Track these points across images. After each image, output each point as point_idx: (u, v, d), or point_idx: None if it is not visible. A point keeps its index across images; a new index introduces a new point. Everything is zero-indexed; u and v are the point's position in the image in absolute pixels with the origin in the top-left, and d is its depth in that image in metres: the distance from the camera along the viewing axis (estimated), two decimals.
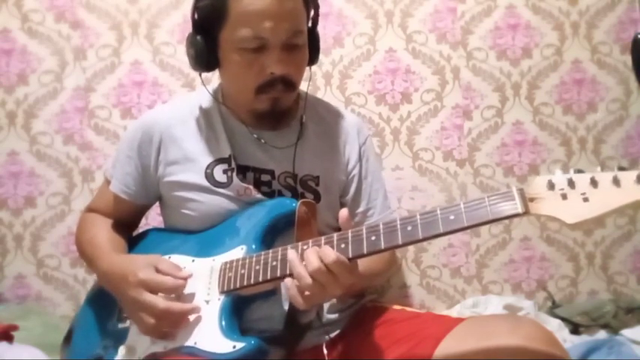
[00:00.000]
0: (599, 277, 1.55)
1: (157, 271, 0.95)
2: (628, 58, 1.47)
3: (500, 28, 1.54)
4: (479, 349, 0.88)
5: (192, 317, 0.94)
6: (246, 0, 0.95)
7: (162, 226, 1.19)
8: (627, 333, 1.35)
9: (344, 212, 0.87)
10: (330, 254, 0.81)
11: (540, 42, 1.54)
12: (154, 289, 0.93)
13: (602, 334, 1.39)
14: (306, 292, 0.83)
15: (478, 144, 1.53)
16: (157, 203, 1.18)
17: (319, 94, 1.47)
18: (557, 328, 1.36)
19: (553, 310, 1.47)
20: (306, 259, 0.83)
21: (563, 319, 1.42)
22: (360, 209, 1.15)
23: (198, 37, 1.00)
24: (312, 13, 1.05)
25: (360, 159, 1.15)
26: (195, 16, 1.01)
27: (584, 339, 1.35)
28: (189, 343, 0.92)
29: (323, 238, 0.87)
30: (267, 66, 0.97)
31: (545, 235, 1.54)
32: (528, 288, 1.53)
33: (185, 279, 0.95)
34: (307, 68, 1.08)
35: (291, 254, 0.86)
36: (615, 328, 1.40)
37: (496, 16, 1.53)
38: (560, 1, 1.54)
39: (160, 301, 0.91)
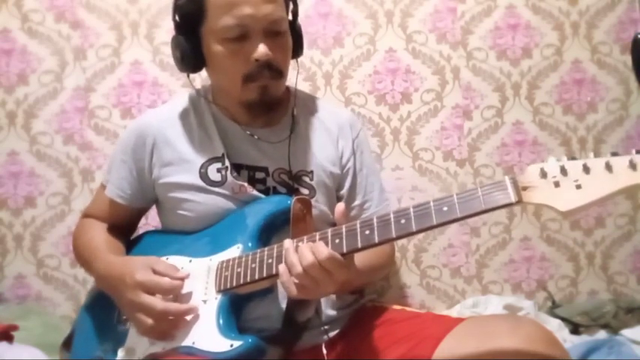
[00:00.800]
0: (599, 277, 1.55)
1: (154, 272, 0.95)
2: (628, 58, 1.47)
3: (500, 28, 1.53)
4: (479, 350, 0.88)
5: (190, 317, 0.94)
6: None
7: (161, 226, 1.19)
8: (627, 333, 1.35)
9: (340, 206, 0.87)
10: (323, 251, 0.81)
11: (540, 42, 1.54)
12: (151, 291, 0.93)
13: (602, 334, 1.39)
14: (299, 282, 0.83)
15: (478, 144, 1.53)
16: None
17: (319, 94, 1.47)
18: (557, 328, 1.36)
19: (553, 310, 1.47)
20: (300, 254, 0.83)
21: (563, 319, 1.42)
22: (357, 202, 1.15)
23: (181, 37, 1.01)
24: (291, 6, 1.05)
25: (353, 152, 1.15)
26: (176, 17, 1.02)
27: (584, 339, 1.35)
28: (188, 342, 0.92)
29: (317, 233, 0.87)
30: (250, 53, 0.98)
31: (545, 235, 1.54)
32: (528, 288, 1.53)
33: (182, 279, 0.95)
34: (294, 62, 1.08)
35: (288, 243, 0.86)
36: (615, 328, 1.40)
37: (496, 16, 1.53)
38: (560, 1, 1.54)
39: (157, 302, 0.92)
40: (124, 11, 1.49)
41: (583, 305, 1.47)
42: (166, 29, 1.49)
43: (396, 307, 1.18)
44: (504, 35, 1.53)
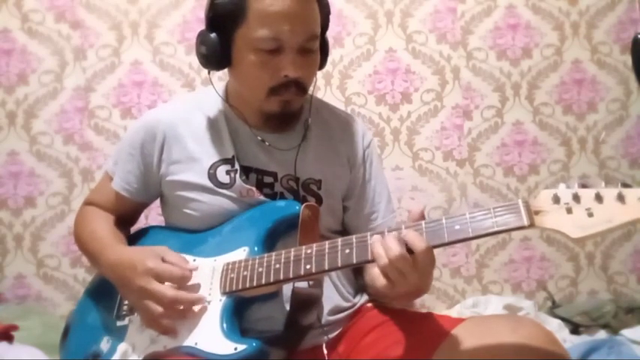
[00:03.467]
0: (599, 277, 1.55)
1: (164, 261, 0.95)
2: (628, 58, 1.47)
3: (500, 28, 1.53)
4: (479, 349, 0.88)
5: (193, 315, 0.94)
6: (267, 0, 0.95)
7: (164, 223, 1.19)
8: (627, 333, 1.35)
9: (416, 210, 0.85)
10: (420, 243, 0.80)
11: (540, 42, 1.54)
12: (161, 278, 0.93)
13: (602, 334, 1.39)
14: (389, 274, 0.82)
15: (478, 144, 1.53)
16: (159, 203, 1.18)
17: (319, 94, 1.47)
18: (557, 328, 1.36)
19: (553, 310, 1.47)
20: (386, 245, 0.81)
21: (563, 319, 1.42)
22: (364, 213, 1.15)
23: (213, 35, 1.00)
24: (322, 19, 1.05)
25: (363, 162, 1.15)
26: (211, 13, 1.01)
27: (584, 339, 1.35)
28: (190, 343, 0.92)
29: (327, 242, 0.87)
30: (281, 68, 0.98)
31: (545, 235, 1.54)
32: (528, 288, 1.53)
33: (191, 271, 0.96)
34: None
35: (376, 237, 0.84)
36: (615, 328, 1.40)
37: (496, 16, 1.53)
38: (560, 1, 1.54)
39: (168, 289, 0.92)
40: (124, 11, 1.48)
41: (583, 305, 1.48)
42: (166, 29, 1.49)
43: (396, 307, 1.17)
44: (504, 35, 1.53)
